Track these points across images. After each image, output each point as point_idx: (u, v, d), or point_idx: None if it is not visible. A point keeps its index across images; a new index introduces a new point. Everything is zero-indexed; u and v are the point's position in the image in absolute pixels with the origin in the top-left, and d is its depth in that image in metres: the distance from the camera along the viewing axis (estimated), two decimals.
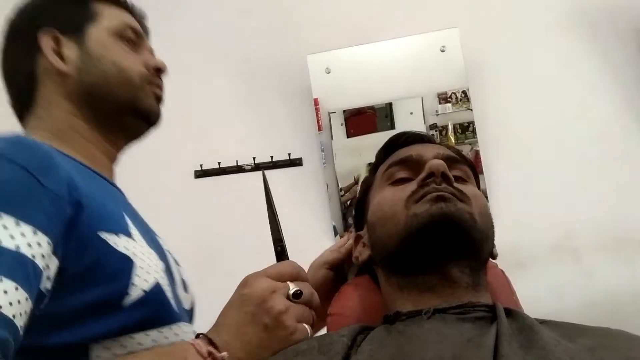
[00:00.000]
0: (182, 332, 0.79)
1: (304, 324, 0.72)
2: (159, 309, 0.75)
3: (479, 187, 0.88)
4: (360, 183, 0.93)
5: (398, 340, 0.67)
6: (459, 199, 0.74)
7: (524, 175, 2.05)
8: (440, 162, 0.77)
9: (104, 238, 0.69)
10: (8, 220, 0.58)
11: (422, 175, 0.76)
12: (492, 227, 0.80)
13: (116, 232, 0.72)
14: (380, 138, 1.03)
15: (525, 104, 2.11)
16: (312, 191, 2.17)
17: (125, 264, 0.70)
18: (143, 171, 1.78)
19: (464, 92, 2.07)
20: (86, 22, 0.90)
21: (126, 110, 0.90)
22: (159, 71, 0.95)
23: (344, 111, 2.14)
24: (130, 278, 0.70)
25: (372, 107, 2.12)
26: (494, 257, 0.83)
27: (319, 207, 2.15)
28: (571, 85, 2.09)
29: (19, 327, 0.54)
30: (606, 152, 2.03)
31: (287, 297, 0.71)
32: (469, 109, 2.07)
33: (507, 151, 2.08)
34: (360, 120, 2.12)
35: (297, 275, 0.75)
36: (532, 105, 2.10)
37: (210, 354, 0.65)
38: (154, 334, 0.73)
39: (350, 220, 1.95)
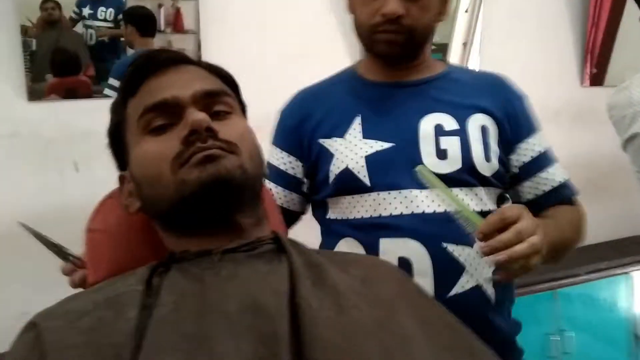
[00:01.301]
0: (372, 199, 1.04)
1: None
2: (346, 185, 1.05)
3: (240, 101, 0.83)
4: (110, 110, 0.82)
5: (198, 287, 0.65)
6: (227, 151, 0.71)
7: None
8: (203, 116, 0.70)
9: (320, 142, 1.09)
10: None
11: (185, 132, 0.70)
12: (261, 158, 0.79)
13: (329, 136, 1.09)
14: None
15: None
16: None
17: (329, 157, 1.07)
18: None
19: None
20: None
21: None
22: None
23: None
24: (330, 166, 1.07)
25: None
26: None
27: None
28: None
29: None
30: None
31: None
32: None
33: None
34: None
35: None
36: None
37: None
38: (348, 198, 1.06)
39: None
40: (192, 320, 0.60)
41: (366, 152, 1.04)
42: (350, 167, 1.04)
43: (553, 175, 1.09)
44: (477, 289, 0.99)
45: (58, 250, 0.97)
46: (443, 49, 2.15)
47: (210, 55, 1.80)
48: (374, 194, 1.03)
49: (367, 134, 1.06)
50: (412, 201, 1.00)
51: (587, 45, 2.41)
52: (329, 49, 1.97)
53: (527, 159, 1.07)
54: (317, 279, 0.68)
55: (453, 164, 1.01)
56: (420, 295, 0.79)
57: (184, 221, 0.73)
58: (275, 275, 0.67)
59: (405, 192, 1.01)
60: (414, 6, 0.99)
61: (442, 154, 1.01)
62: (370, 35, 1.03)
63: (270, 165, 1.16)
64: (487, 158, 1.03)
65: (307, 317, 0.60)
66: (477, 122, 1.04)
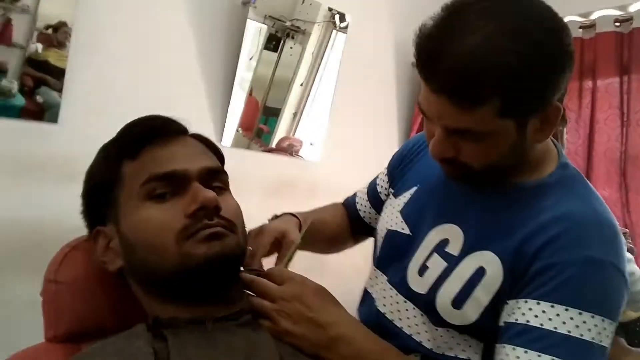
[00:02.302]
0: (375, 278, 1.03)
1: None
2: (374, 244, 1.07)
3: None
4: (94, 167, 0.84)
5: (205, 356, 0.70)
6: (229, 229, 0.78)
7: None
8: (213, 195, 0.77)
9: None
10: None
11: (194, 207, 0.75)
12: (246, 232, 0.86)
13: (394, 189, 1.07)
14: None
15: None
16: None
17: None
18: None
19: None
20: None
21: None
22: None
23: None
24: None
25: None
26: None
27: None
28: None
29: None
30: None
31: None
32: None
33: None
34: None
35: None
36: None
37: None
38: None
39: None
40: None
41: (390, 226, 1.01)
42: (378, 231, 1.06)
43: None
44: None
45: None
46: (276, 113, 2.37)
47: (76, 81, 1.75)
48: (377, 270, 1.03)
49: (405, 210, 0.99)
50: (384, 296, 0.98)
51: (409, 134, 2.76)
52: (193, 99, 2.06)
53: (511, 319, 0.79)
54: (292, 352, 0.78)
55: (422, 286, 0.89)
56: None
57: (180, 290, 0.77)
58: (265, 346, 0.75)
59: (383, 280, 1.00)
60: (468, 147, 0.81)
61: (422, 270, 0.90)
62: None
63: (377, 176, 1.19)
64: (457, 304, 0.84)
65: None
66: (478, 260, 0.84)
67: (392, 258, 0.99)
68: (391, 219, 1.02)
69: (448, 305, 0.85)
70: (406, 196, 1.01)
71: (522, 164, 0.87)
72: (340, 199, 1.27)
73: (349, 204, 1.24)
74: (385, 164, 1.17)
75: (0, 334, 1.58)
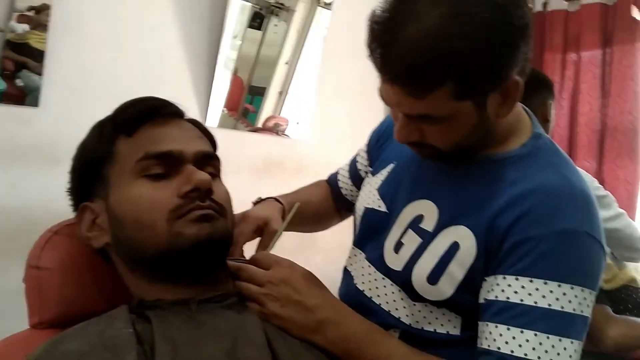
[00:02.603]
0: (354, 256, 1.04)
1: None
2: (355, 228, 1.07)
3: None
4: (86, 143, 0.84)
5: (188, 338, 0.70)
6: (220, 213, 0.78)
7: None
8: (208, 177, 0.77)
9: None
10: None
11: (187, 188, 0.76)
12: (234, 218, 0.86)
13: (372, 167, 1.08)
14: None
15: None
16: None
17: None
18: None
19: None
20: None
21: None
22: None
23: None
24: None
25: None
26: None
27: None
28: None
29: None
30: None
31: None
32: None
33: None
34: None
35: None
36: None
37: None
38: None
39: None
40: None
41: (367, 204, 1.01)
42: (356, 209, 1.07)
43: (499, 339, 0.77)
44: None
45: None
46: (261, 92, 2.35)
47: (56, 64, 1.72)
48: (355, 248, 1.04)
49: (382, 187, 1.00)
50: (362, 274, 0.99)
51: None
52: (176, 80, 2.03)
53: (491, 296, 0.79)
54: (281, 333, 0.77)
55: (398, 263, 0.90)
56: None
57: (167, 269, 0.76)
58: (252, 328, 0.75)
59: (361, 257, 1.01)
60: (430, 130, 0.82)
61: (397, 247, 0.91)
62: None
63: (357, 154, 1.19)
64: (432, 280, 0.84)
65: None
66: (452, 235, 0.84)
67: (370, 236, 0.99)
68: (369, 197, 1.02)
69: (423, 281, 0.85)
70: (383, 174, 1.02)
71: (490, 138, 0.87)
72: (326, 176, 1.27)
73: (332, 182, 1.24)
74: None
75: None
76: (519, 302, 0.76)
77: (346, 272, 1.06)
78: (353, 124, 2.57)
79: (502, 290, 0.78)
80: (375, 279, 0.95)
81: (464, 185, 0.87)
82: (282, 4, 2.27)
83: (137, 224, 0.76)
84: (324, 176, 1.27)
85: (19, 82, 1.67)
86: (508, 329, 0.76)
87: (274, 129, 2.37)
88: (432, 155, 0.89)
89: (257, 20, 2.20)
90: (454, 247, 0.84)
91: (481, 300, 0.81)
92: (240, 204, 0.91)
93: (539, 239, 0.77)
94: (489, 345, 0.78)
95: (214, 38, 2.10)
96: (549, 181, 0.82)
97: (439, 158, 0.89)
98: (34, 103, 1.70)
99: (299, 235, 1.16)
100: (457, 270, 0.83)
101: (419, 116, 0.79)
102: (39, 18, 1.68)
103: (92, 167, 0.81)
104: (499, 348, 0.76)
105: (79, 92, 1.79)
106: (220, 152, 0.87)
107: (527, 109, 0.93)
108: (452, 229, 0.85)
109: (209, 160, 0.84)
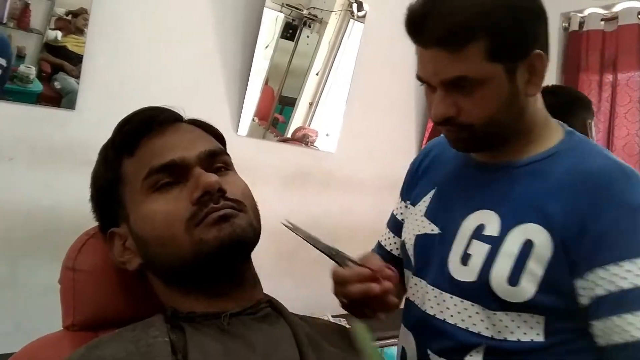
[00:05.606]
0: (415, 285, 1.01)
1: None
2: (405, 258, 1.05)
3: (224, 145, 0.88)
4: (96, 170, 0.84)
5: (222, 350, 0.69)
6: (237, 209, 0.76)
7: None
8: (215, 179, 0.76)
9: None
10: None
11: (197, 194, 0.74)
12: (259, 212, 0.83)
13: (409, 200, 1.09)
14: None
15: None
16: None
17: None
18: None
19: None
20: None
21: None
22: None
23: None
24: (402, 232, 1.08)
25: None
26: None
27: None
28: None
29: None
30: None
31: None
32: None
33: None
34: None
35: None
36: None
37: None
38: (406, 271, 1.06)
39: None
40: None
41: (418, 232, 1.01)
42: (405, 241, 1.05)
43: (630, 327, 0.77)
44: None
45: (335, 253, 0.90)
46: (291, 102, 2.36)
47: (93, 68, 1.75)
48: (415, 278, 1.01)
49: (429, 212, 1.01)
50: (428, 299, 0.96)
51: (427, 126, 2.74)
52: (210, 88, 2.05)
53: (601, 291, 0.79)
54: (315, 347, 0.75)
55: (469, 274, 0.89)
56: None
57: (196, 278, 0.76)
58: (284, 342, 0.74)
59: (423, 284, 0.98)
60: (466, 102, 0.85)
61: (465, 259, 0.90)
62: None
63: (392, 212, 1.18)
64: (513, 281, 0.84)
65: None
66: (523, 234, 0.84)
67: (427, 260, 0.98)
68: (417, 225, 1.02)
69: (504, 283, 0.85)
70: (426, 201, 1.03)
71: (524, 133, 0.91)
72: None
73: (378, 253, 1.18)
74: (401, 156, 1.20)
75: (19, 321, 1.59)
76: (633, 286, 0.77)
77: (409, 303, 1.04)
78: (382, 138, 2.56)
79: (611, 281, 0.78)
80: (444, 300, 0.93)
81: (515, 187, 0.90)
82: (315, 16, 2.28)
83: (158, 240, 0.76)
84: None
85: (56, 85, 1.71)
86: (633, 314, 0.76)
87: (303, 139, 2.38)
88: (466, 141, 0.91)
89: (289, 31, 2.22)
90: (528, 245, 0.84)
91: (586, 302, 0.81)
92: (267, 212, 0.90)
93: (617, 220, 0.80)
94: (621, 338, 0.77)
95: (247, 47, 2.12)
96: (602, 165, 0.85)
97: (474, 145, 0.93)
98: (70, 106, 1.73)
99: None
100: (536, 267, 0.83)
101: (454, 82, 0.83)
102: (76, 22, 1.71)
103: (107, 193, 0.82)
104: (633, 336, 0.76)
105: (115, 96, 1.81)
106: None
107: (561, 123, 0.96)
108: (521, 228, 0.85)
109: (216, 157, 0.82)
